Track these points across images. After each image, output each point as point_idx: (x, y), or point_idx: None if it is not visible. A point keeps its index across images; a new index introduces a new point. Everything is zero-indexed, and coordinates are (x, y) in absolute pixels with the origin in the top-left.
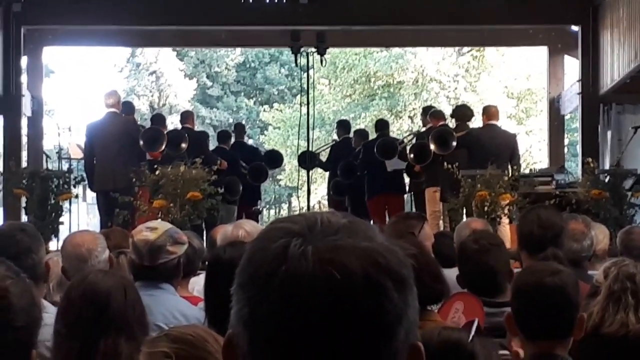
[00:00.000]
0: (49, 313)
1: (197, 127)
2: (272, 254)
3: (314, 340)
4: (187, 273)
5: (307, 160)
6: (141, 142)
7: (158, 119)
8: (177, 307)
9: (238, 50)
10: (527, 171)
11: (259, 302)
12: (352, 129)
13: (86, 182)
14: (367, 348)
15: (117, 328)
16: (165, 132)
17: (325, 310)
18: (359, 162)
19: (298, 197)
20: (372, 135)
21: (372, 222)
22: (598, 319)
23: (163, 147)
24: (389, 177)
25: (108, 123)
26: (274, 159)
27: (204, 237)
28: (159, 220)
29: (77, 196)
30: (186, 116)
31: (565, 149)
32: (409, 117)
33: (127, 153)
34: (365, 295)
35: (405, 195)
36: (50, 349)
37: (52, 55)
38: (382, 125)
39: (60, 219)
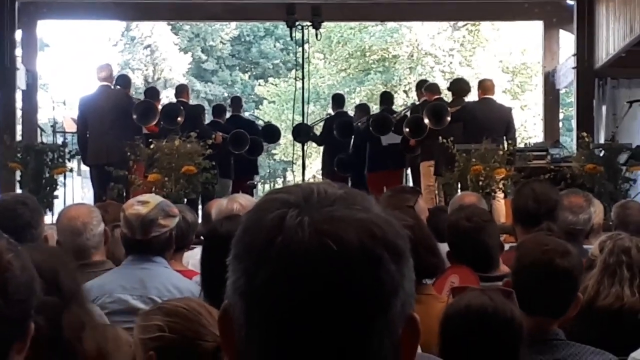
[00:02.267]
0: None
1: (192, 101)
2: (268, 224)
3: (310, 310)
4: (181, 247)
5: (302, 133)
6: (134, 116)
7: (152, 93)
8: (171, 280)
9: (233, 24)
10: (522, 145)
11: (255, 273)
12: (347, 104)
13: (80, 155)
14: (363, 319)
15: (73, 304)
16: (158, 105)
17: (321, 281)
18: (361, 133)
19: (293, 172)
20: (373, 109)
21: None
22: (593, 292)
23: (156, 120)
24: (390, 153)
25: (100, 97)
26: (272, 133)
27: (199, 212)
28: (151, 194)
29: (71, 170)
30: (181, 90)
31: (560, 124)
32: (404, 91)
33: (121, 126)
34: (362, 266)
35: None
36: None
37: (47, 28)
38: (386, 99)
39: (55, 193)
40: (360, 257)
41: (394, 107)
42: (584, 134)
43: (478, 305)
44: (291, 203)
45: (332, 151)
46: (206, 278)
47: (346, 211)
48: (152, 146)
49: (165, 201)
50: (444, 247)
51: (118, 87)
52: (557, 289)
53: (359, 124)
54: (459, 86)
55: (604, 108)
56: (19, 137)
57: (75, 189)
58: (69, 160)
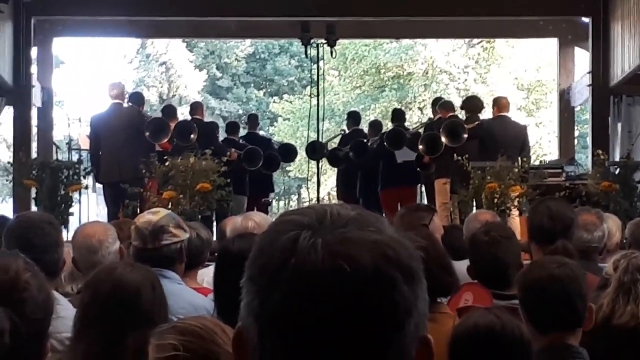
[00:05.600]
0: (61, 305)
1: (207, 118)
2: (282, 246)
3: (324, 332)
4: (196, 264)
5: (316, 150)
6: (147, 133)
7: (169, 110)
8: (184, 297)
9: (248, 41)
10: (537, 163)
11: (269, 295)
12: (362, 121)
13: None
14: (376, 340)
15: (146, 323)
16: (173, 123)
17: (335, 303)
18: (374, 151)
19: (307, 189)
20: (386, 126)
21: (383, 214)
22: (608, 310)
23: (168, 137)
24: (403, 169)
25: (112, 114)
26: (288, 152)
27: (214, 229)
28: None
29: (86, 187)
30: (195, 107)
31: (576, 141)
32: (419, 108)
33: (134, 144)
34: (375, 288)
35: (417, 187)
36: (70, 340)
37: (62, 45)
38: (398, 116)
39: (70, 210)
40: (373, 279)
41: (407, 124)
42: (599, 151)
43: (486, 324)
44: (304, 225)
45: (347, 169)
46: (219, 295)
47: (359, 233)
48: (167, 163)
49: (174, 213)
50: (459, 265)
51: (130, 104)
52: (561, 296)
53: (373, 144)
54: (472, 103)
55: (619, 125)
56: (34, 154)
57: (90, 206)
58: (84, 178)
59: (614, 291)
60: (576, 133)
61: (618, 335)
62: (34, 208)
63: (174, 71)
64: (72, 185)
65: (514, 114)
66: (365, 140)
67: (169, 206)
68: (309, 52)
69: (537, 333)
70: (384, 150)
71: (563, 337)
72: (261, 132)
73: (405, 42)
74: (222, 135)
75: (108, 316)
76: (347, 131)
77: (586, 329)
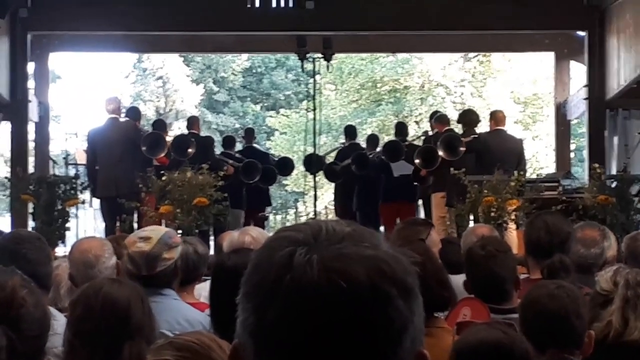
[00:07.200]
0: (58, 321)
1: (204, 133)
2: (278, 262)
3: (320, 349)
4: (193, 279)
5: (313, 163)
6: (143, 148)
7: (159, 125)
8: (181, 312)
9: (244, 55)
10: (533, 176)
11: (265, 311)
12: (359, 135)
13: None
14: (373, 356)
15: (137, 335)
16: (167, 137)
17: (331, 319)
18: (375, 164)
19: (304, 203)
20: (383, 140)
21: (383, 227)
22: (620, 327)
23: (164, 152)
24: (403, 184)
25: (109, 129)
26: (286, 166)
27: (211, 243)
28: (151, 227)
29: (83, 202)
30: (192, 121)
31: (572, 154)
32: (415, 122)
33: (130, 159)
34: (371, 304)
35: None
36: (61, 356)
37: (59, 60)
38: (400, 129)
39: (67, 225)
40: (369, 295)
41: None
42: (596, 164)
43: (493, 339)
44: (300, 241)
45: (345, 183)
46: (215, 311)
47: (355, 248)
48: (164, 178)
49: (167, 233)
50: (456, 279)
51: (127, 118)
52: (561, 313)
53: (375, 157)
54: (469, 117)
55: (615, 139)
56: (31, 169)
57: (87, 221)
58: (81, 192)
59: (621, 307)
60: (572, 146)
61: (631, 352)
62: (31, 223)
63: (171, 85)
64: (69, 200)
65: (511, 128)
66: (366, 153)
67: (165, 221)
68: (305, 66)
69: (536, 351)
70: (385, 164)
71: (561, 354)
72: (257, 146)
73: (402, 55)
74: (219, 149)
75: (101, 331)
76: (345, 144)
77: (585, 356)
